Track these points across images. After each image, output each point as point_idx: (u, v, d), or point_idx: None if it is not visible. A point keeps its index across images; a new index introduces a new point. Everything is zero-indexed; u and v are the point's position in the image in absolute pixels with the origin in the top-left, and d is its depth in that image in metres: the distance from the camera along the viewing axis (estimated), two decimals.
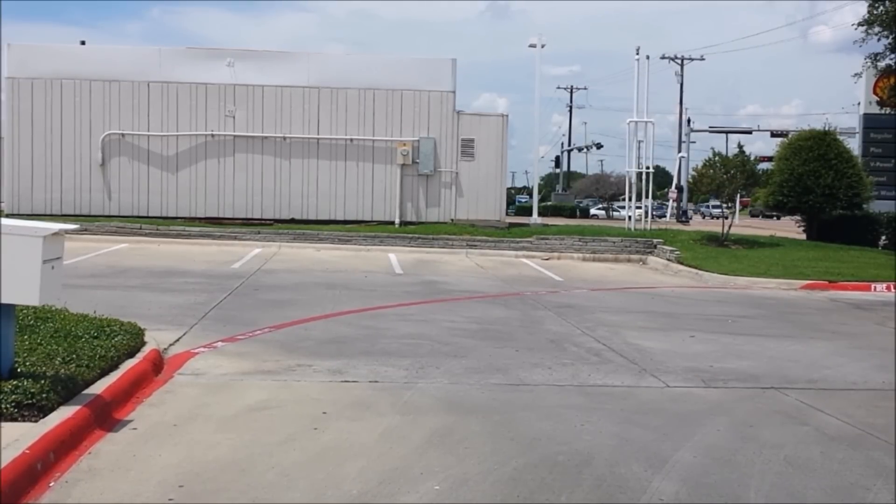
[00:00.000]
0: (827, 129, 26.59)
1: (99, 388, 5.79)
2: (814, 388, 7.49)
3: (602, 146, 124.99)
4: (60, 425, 4.87)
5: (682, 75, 56.88)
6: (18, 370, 5.55)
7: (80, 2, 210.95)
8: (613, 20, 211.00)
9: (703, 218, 58.53)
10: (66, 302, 7.73)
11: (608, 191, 52.67)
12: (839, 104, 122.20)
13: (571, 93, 77.82)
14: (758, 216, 61.77)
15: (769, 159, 33.88)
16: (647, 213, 27.67)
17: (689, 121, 56.88)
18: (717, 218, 26.32)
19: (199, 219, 23.60)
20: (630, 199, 27.43)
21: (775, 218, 51.48)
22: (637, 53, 26.96)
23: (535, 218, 27.82)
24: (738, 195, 28.44)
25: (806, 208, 25.95)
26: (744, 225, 37.59)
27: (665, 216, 50.47)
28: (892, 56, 25.18)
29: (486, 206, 24.97)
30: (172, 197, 23.96)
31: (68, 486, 4.40)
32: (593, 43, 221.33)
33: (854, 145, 33.41)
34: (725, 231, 23.05)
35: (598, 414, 6.27)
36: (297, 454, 5.08)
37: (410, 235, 22.21)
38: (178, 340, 8.38)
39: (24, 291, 5.27)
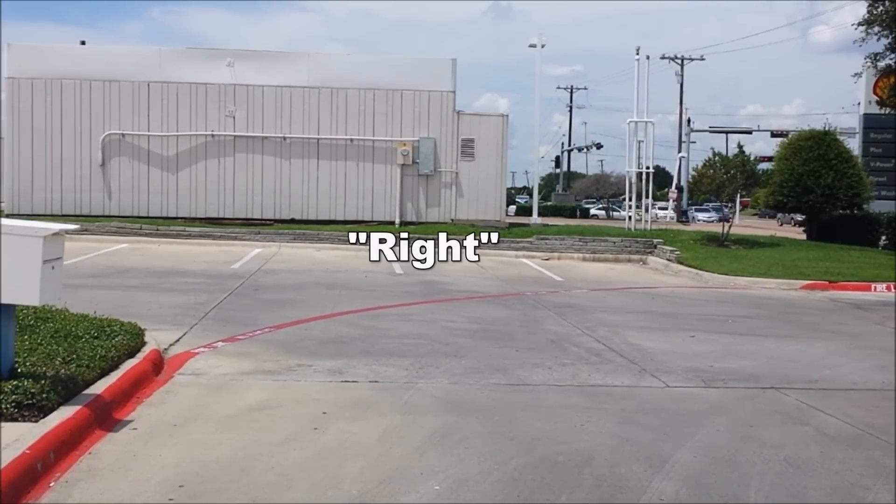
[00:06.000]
0: (827, 129, 26.59)
1: (99, 388, 5.79)
2: (814, 388, 7.49)
3: (602, 146, 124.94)
4: (60, 425, 4.87)
5: (682, 75, 56.86)
6: (19, 370, 5.55)
7: (80, 2, 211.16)
8: (614, 20, 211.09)
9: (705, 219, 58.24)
10: (66, 302, 7.72)
11: (608, 191, 52.70)
12: (839, 104, 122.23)
13: (571, 93, 77.89)
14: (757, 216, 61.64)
15: (769, 159, 33.87)
16: (647, 212, 27.64)
17: (689, 121, 56.84)
18: (719, 221, 26.38)
19: (199, 219, 23.60)
20: (630, 199, 27.43)
21: (770, 217, 51.40)
22: (637, 53, 26.98)
23: (535, 218, 27.82)
24: (738, 195, 28.43)
25: (806, 208, 25.95)
26: (744, 225, 37.59)
27: (666, 217, 50.37)
28: (892, 56, 25.18)
29: (486, 206, 24.97)
30: (172, 197, 23.96)
31: (69, 486, 4.40)
32: (594, 43, 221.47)
33: (854, 145, 33.45)
34: (725, 231, 23.05)
35: (598, 414, 6.27)
36: (297, 454, 5.08)
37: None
38: (178, 340, 8.38)
39: (25, 291, 5.27)
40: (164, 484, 4.48)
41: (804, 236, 27.19)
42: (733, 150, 26.28)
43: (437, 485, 4.64)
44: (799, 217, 34.67)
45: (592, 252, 21.96)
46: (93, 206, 23.59)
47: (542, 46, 26.59)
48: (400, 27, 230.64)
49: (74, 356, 6.14)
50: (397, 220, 24.31)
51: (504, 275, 16.93)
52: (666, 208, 52.25)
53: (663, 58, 55.69)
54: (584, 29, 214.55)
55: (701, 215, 55.16)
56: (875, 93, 32.35)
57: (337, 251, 20.60)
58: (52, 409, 5.09)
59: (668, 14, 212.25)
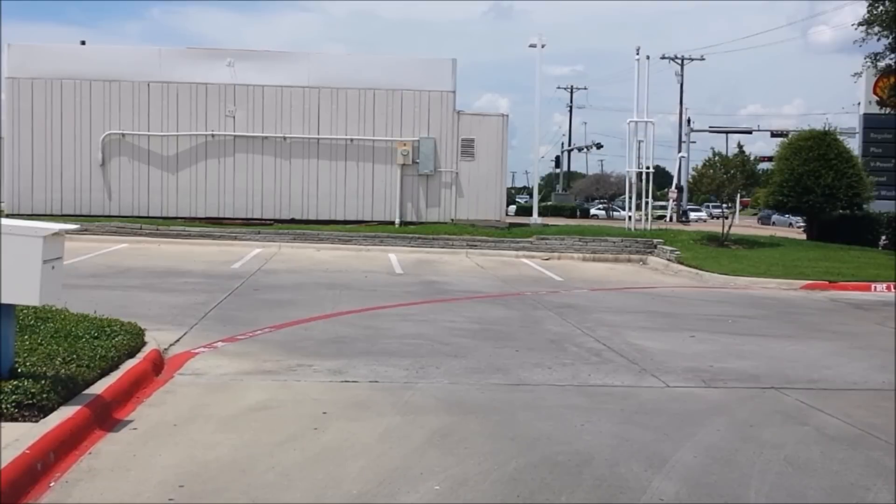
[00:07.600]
0: (827, 129, 26.59)
1: (99, 388, 5.79)
2: (814, 388, 7.49)
3: (602, 146, 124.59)
4: (61, 425, 4.87)
5: (682, 75, 56.91)
6: (19, 370, 5.55)
7: (80, 2, 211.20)
8: (614, 20, 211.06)
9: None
10: (66, 302, 7.72)
11: (608, 191, 52.73)
12: (839, 104, 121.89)
13: (571, 93, 77.88)
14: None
15: (769, 159, 33.87)
16: (646, 213, 27.63)
17: (689, 121, 56.83)
18: (717, 218, 26.35)
19: (199, 219, 23.60)
20: (630, 199, 27.43)
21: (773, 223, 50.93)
22: (637, 53, 26.97)
23: (535, 218, 27.81)
24: (739, 195, 28.40)
25: (806, 208, 25.95)
26: (744, 225, 37.59)
27: (665, 217, 50.29)
28: (892, 56, 25.21)
29: (486, 206, 24.97)
30: (172, 197, 23.96)
31: (69, 486, 4.40)
32: (594, 43, 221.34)
33: (854, 145, 33.40)
34: (725, 231, 23.05)
35: (598, 414, 6.27)
36: (297, 454, 5.08)
37: (410, 235, 22.21)
38: (178, 340, 8.38)
39: (25, 291, 5.27)
40: (164, 484, 4.48)
41: (804, 236, 27.18)
42: (733, 150, 26.28)
43: (437, 485, 4.64)
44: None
45: (592, 252, 21.96)
46: (93, 206, 23.59)
47: (543, 46, 26.59)
48: (400, 27, 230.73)
49: (74, 356, 6.14)
50: (397, 220, 24.31)
51: (504, 275, 16.93)
52: (699, 210, 51.47)
53: (663, 58, 55.78)
54: (584, 29, 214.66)
55: (792, 218, 50.06)
56: (875, 93, 32.35)
57: (337, 251, 20.62)
58: (52, 409, 5.09)
59: (668, 14, 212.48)
